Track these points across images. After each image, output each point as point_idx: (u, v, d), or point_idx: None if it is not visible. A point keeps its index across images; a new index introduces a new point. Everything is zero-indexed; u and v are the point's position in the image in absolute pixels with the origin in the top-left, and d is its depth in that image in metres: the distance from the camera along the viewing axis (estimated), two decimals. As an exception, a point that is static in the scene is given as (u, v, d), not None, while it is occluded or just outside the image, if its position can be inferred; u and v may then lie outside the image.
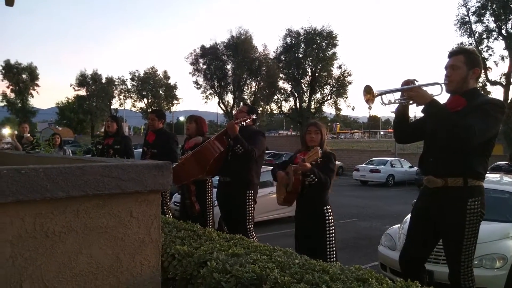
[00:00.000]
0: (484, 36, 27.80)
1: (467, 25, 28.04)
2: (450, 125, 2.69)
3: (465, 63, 2.90)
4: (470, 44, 28.29)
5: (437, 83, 2.96)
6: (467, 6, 27.74)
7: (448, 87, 2.94)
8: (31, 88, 54.37)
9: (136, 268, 1.72)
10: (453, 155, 2.81)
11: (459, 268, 2.85)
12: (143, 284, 1.74)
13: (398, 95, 2.98)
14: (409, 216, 3.42)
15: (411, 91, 2.86)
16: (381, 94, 2.88)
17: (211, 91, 41.74)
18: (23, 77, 53.81)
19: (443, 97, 2.99)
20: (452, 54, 2.97)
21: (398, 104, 3.02)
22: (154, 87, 53.09)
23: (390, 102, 2.94)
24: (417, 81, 2.91)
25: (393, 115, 3.22)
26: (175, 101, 54.58)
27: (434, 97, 2.84)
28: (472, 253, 2.86)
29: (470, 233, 2.81)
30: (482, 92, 2.95)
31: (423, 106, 2.83)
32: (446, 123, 2.71)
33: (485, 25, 27.68)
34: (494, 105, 2.79)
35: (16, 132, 9.12)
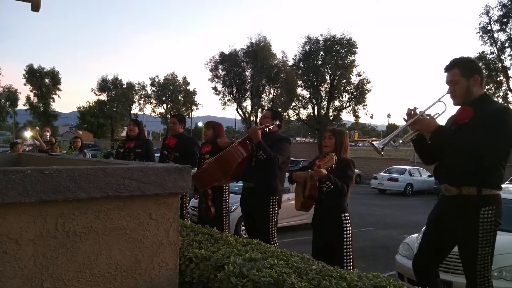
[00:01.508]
0: (507, 45, 27.35)
1: (489, 34, 27.63)
2: (458, 151, 2.76)
3: (462, 75, 2.88)
4: (492, 52, 27.86)
5: (439, 101, 3.00)
6: (489, 15, 27.37)
7: (455, 101, 2.95)
8: (53, 92, 55.46)
9: (154, 270, 1.74)
10: (466, 166, 2.81)
11: (475, 278, 2.82)
12: (161, 286, 1.75)
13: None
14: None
15: (415, 125, 2.92)
16: (385, 145, 3.01)
17: (229, 97, 41.96)
18: (45, 82, 54.93)
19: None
20: (447, 69, 2.96)
21: (410, 138, 3.07)
22: (174, 92, 53.59)
23: (404, 140, 3.06)
24: (417, 108, 2.97)
25: None
26: (194, 107, 55.02)
27: (440, 115, 2.96)
28: (488, 263, 2.82)
29: (485, 242, 2.78)
30: (491, 98, 2.98)
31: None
32: (454, 149, 2.78)
33: (507, 33, 27.25)
34: (502, 115, 2.76)
35: (38, 128, 9.28)
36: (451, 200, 2.91)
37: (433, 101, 3.01)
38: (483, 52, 28.07)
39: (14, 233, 1.45)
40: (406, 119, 2.99)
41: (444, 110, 3.01)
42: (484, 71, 25.13)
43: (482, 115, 2.77)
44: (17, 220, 1.45)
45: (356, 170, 3.84)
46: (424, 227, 3.32)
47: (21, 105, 56.68)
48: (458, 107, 2.99)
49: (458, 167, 2.84)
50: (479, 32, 27.91)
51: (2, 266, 1.43)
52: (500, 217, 2.82)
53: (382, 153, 3.03)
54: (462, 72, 2.88)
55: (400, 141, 3.07)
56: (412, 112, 2.98)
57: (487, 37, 27.74)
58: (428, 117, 2.95)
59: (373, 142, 3.07)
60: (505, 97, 28.21)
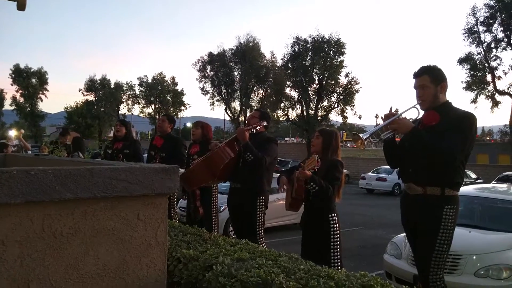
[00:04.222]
0: (493, 45, 27.72)
1: (476, 35, 27.97)
2: (432, 151, 2.90)
3: (431, 82, 3.06)
4: (479, 53, 28.20)
5: (414, 107, 3.19)
6: (476, 16, 27.71)
7: (422, 106, 3.14)
8: (40, 92, 54.80)
9: (142, 271, 1.73)
10: (431, 167, 2.97)
11: (428, 274, 2.97)
12: (149, 286, 1.75)
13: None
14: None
15: (392, 124, 3.08)
16: (369, 136, 3.19)
17: (218, 97, 41.88)
18: (32, 82, 54.25)
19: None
20: (417, 75, 3.13)
21: (387, 136, 3.23)
22: (162, 93, 53.34)
23: (380, 139, 3.24)
24: (396, 111, 3.16)
25: None
26: (182, 107, 54.83)
27: (414, 120, 3.15)
28: (442, 261, 2.98)
29: (443, 240, 2.94)
30: (453, 104, 3.15)
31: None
32: (429, 149, 2.92)
33: (493, 34, 27.62)
34: (468, 120, 2.95)
35: (22, 131, 9.13)
36: (415, 199, 3.07)
37: (408, 106, 3.22)
38: (469, 52, 28.41)
39: (0, 234, 1.43)
40: (384, 119, 3.17)
41: (417, 116, 3.22)
42: (470, 71, 25.26)
43: (448, 119, 2.97)
44: (3, 221, 1.43)
45: (344, 171, 3.86)
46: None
47: (7, 105, 56.00)
48: (423, 112, 3.19)
49: (425, 168, 2.99)
50: (465, 33, 28.26)
51: (-12, 268, 1.42)
52: (457, 217, 3.00)
53: (365, 142, 3.18)
54: (431, 79, 3.06)
55: (381, 137, 3.22)
56: (391, 114, 3.15)
57: (473, 38, 28.08)
58: (404, 119, 3.13)
59: (356, 133, 3.25)
60: (492, 96, 28.55)
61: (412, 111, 3.21)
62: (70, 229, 1.56)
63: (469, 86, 28.65)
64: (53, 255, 1.54)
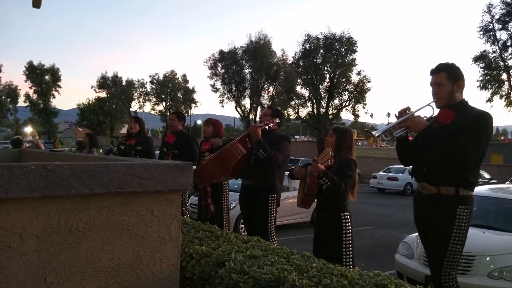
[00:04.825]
0: (509, 43, 27.33)
1: (491, 32, 27.61)
2: (446, 150, 2.88)
3: (448, 79, 3.01)
4: (494, 51, 27.82)
5: (429, 105, 3.15)
6: (492, 13, 27.35)
7: (438, 104, 3.10)
8: (53, 89, 55.40)
9: (156, 266, 1.75)
10: (446, 166, 2.94)
11: (440, 275, 2.94)
12: (162, 282, 1.76)
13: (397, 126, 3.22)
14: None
15: (406, 122, 3.06)
16: (381, 134, 3.16)
17: (228, 95, 41.91)
18: (45, 79, 54.84)
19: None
20: (434, 72, 3.09)
21: (400, 134, 3.19)
22: (173, 90, 53.59)
23: (393, 136, 3.19)
24: (409, 109, 3.12)
25: None
26: (193, 105, 55.03)
27: (429, 118, 3.11)
28: (455, 261, 2.95)
29: (457, 239, 2.90)
30: (469, 103, 3.08)
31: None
32: (443, 148, 2.90)
33: (509, 32, 27.22)
34: (484, 119, 2.91)
35: (37, 137, 9.34)
36: (428, 198, 3.03)
37: (423, 104, 3.18)
38: (484, 51, 28.06)
39: (18, 227, 1.45)
40: (398, 116, 3.14)
41: (432, 114, 3.18)
42: (485, 70, 24.88)
43: (464, 118, 2.93)
44: (20, 215, 1.46)
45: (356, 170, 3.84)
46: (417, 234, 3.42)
47: (21, 102, 56.70)
48: (438, 110, 3.15)
49: (439, 167, 2.96)
50: (480, 31, 27.91)
51: (7, 260, 1.44)
52: (471, 217, 2.96)
53: (378, 140, 3.17)
54: (448, 77, 3.02)
55: (393, 135, 3.19)
56: (405, 112, 3.12)
57: (489, 36, 27.71)
58: (418, 117, 3.09)
59: (368, 130, 3.22)
60: (507, 95, 28.16)
61: (427, 110, 3.17)
62: (86, 224, 1.58)
63: (484, 85, 28.31)
64: (69, 249, 1.55)
